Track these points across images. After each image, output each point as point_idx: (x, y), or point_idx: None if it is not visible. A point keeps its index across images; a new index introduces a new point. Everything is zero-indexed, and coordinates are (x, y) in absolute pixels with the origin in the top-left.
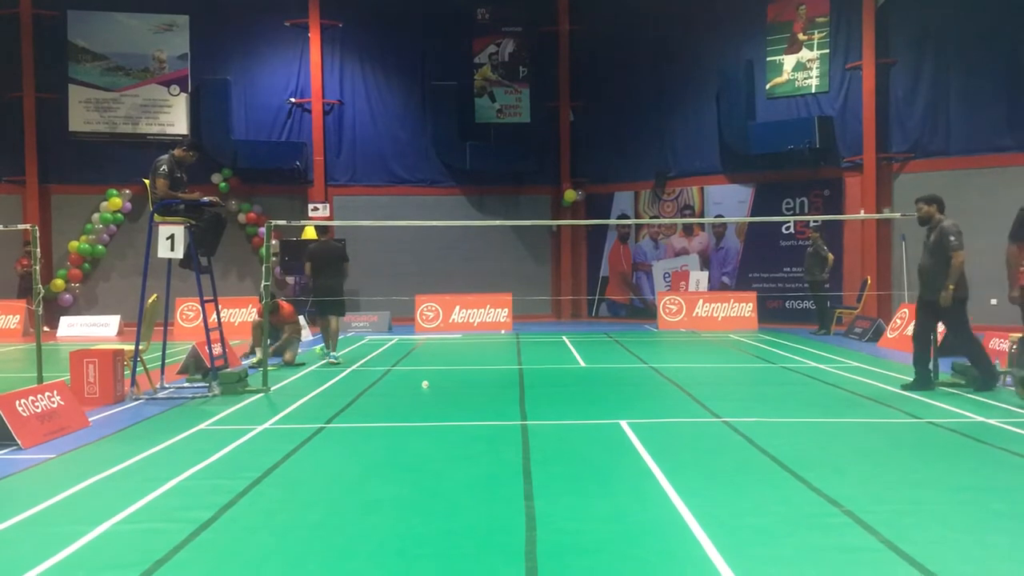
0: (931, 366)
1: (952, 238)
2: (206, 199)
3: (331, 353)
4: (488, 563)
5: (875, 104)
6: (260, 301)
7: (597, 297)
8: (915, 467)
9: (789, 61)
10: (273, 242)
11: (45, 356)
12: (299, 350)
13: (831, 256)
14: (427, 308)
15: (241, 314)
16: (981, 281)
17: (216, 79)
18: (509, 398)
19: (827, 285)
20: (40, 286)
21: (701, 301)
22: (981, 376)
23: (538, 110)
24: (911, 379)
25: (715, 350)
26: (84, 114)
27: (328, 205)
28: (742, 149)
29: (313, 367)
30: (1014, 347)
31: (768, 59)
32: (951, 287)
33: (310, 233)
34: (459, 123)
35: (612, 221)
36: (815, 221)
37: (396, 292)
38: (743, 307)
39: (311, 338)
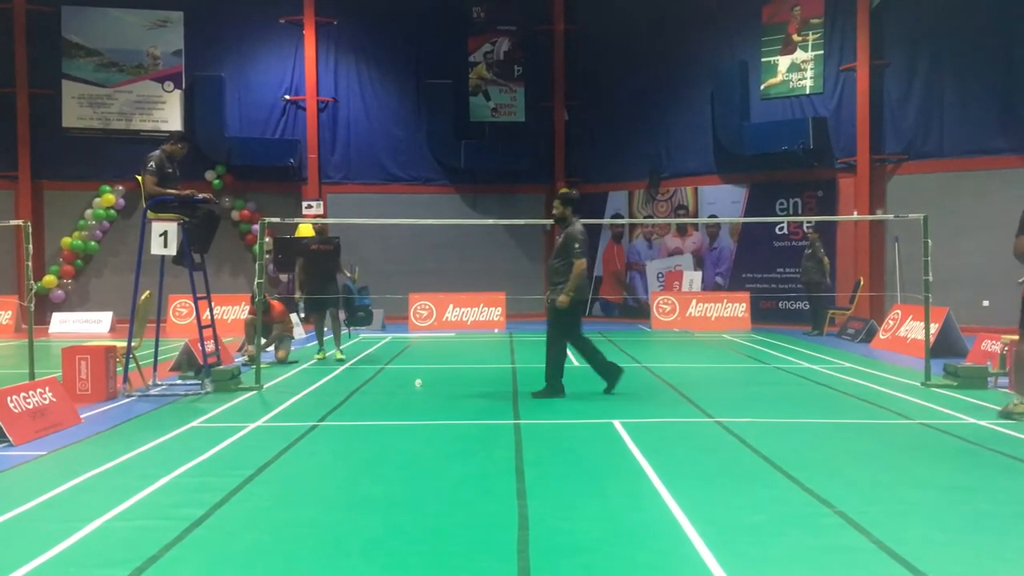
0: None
1: (576, 245)
2: (200, 196)
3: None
4: (480, 562)
5: (869, 105)
6: (253, 299)
7: (590, 296)
8: (907, 468)
9: (783, 62)
10: (267, 240)
11: (37, 352)
12: (292, 348)
13: (827, 260)
14: (421, 307)
15: (234, 311)
16: (973, 283)
17: (210, 76)
18: (502, 397)
19: (824, 284)
20: (32, 282)
21: (694, 301)
22: (547, 385)
23: (533, 109)
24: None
25: (708, 350)
26: (77, 110)
27: (322, 203)
28: (736, 149)
29: (306, 365)
30: (1005, 348)
31: (763, 60)
32: (571, 293)
33: (305, 231)
34: (454, 121)
35: (606, 220)
36: (809, 222)
37: (390, 290)
38: (736, 307)
39: (303, 336)
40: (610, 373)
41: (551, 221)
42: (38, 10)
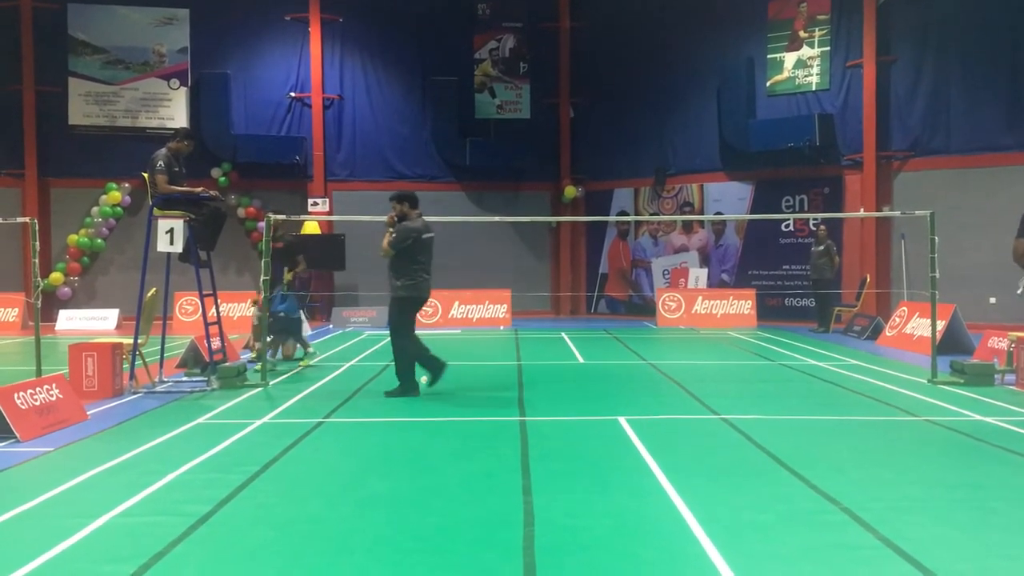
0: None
1: (395, 234)
2: (206, 193)
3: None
4: (486, 558)
5: (875, 102)
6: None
7: (596, 294)
8: (913, 465)
9: (790, 58)
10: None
11: (44, 349)
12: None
13: (838, 258)
14: (426, 304)
15: (240, 308)
16: (980, 280)
17: (216, 73)
18: (508, 394)
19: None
20: (39, 279)
21: (700, 298)
22: (400, 384)
23: (538, 106)
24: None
25: (714, 347)
26: (84, 107)
27: (327, 200)
28: (742, 146)
29: (312, 362)
30: (1012, 345)
31: (769, 56)
32: (399, 283)
33: (310, 228)
34: (459, 119)
35: (612, 218)
36: (815, 219)
37: None
38: (742, 304)
39: (310, 332)
40: (434, 368)
41: (557, 219)
42: (45, 8)
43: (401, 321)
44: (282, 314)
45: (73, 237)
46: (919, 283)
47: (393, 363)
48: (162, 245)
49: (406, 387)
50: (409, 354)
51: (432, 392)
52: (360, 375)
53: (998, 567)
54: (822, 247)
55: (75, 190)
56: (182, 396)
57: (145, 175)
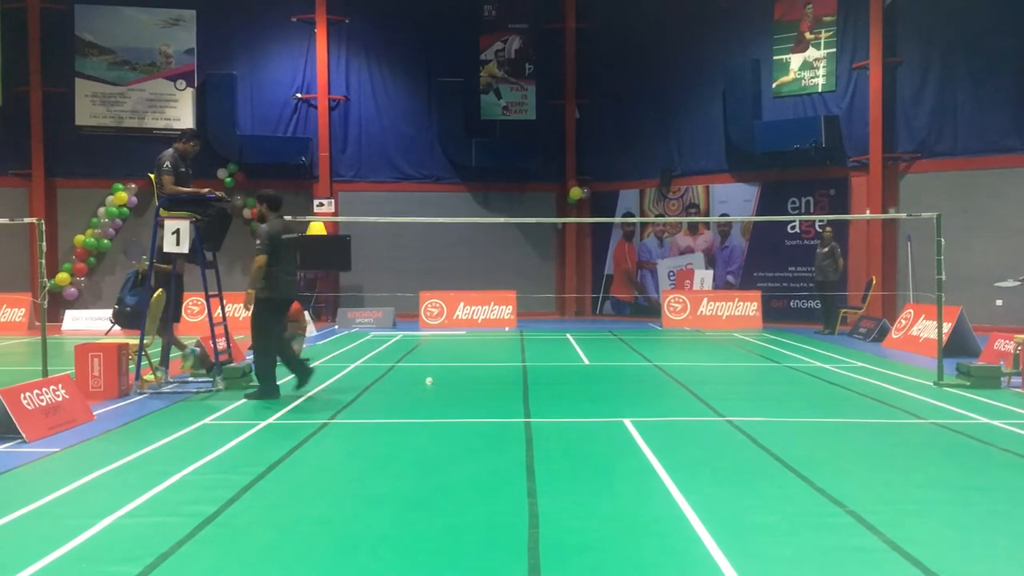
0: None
1: (258, 241)
2: (212, 194)
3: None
4: (491, 559)
5: (881, 104)
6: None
7: (601, 295)
8: (919, 467)
9: (796, 60)
10: None
11: (50, 350)
12: (303, 346)
13: (842, 260)
14: (431, 305)
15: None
16: (986, 282)
17: (222, 74)
18: (513, 395)
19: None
20: (45, 279)
21: (706, 300)
22: (260, 386)
23: (544, 107)
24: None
25: (719, 349)
26: (90, 108)
27: (333, 201)
28: (748, 148)
29: (317, 363)
30: (1019, 348)
31: (775, 58)
32: (250, 291)
33: (315, 229)
34: (465, 120)
35: (617, 219)
36: (821, 221)
37: (400, 288)
38: (748, 306)
39: (315, 333)
40: (302, 372)
41: (562, 220)
42: (51, 8)
43: (261, 322)
44: (128, 308)
45: (79, 237)
46: (925, 285)
47: (253, 365)
48: (168, 245)
49: (266, 389)
50: (271, 356)
51: (437, 393)
52: (365, 376)
53: (1004, 570)
54: (826, 249)
55: (81, 191)
56: (188, 397)
57: (151, 176)
